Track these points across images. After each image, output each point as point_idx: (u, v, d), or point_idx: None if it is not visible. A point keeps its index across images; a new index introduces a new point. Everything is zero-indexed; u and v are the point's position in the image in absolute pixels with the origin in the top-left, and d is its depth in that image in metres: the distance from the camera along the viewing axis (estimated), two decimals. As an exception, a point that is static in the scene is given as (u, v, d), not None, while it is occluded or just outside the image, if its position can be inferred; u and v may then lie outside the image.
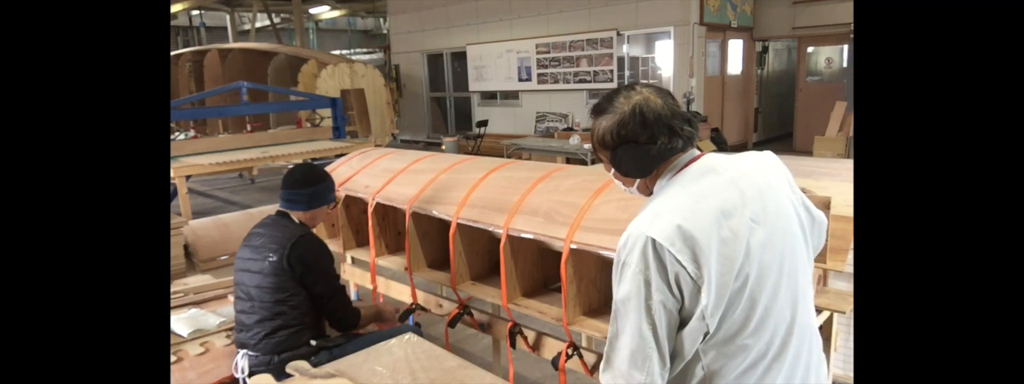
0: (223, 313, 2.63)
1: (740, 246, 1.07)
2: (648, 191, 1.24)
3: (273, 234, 2.10)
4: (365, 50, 18.56)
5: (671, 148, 1.16)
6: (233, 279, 2.17)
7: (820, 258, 1.67)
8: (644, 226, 1.07)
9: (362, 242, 2.96)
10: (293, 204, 2.16)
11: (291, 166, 2.31)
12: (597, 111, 1.22)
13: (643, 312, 1.06)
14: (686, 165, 1.18)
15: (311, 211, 2.19)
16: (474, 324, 2.43)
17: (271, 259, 2.03)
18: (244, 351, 2.08)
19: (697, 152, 1.21)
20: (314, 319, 2.12)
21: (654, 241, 1.05)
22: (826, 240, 1.47)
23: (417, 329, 2.35)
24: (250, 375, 2.04)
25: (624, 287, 1.09)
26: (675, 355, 1.11)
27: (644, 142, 1.15)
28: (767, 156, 1.26)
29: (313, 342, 2.10)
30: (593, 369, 2.02)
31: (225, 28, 17.31)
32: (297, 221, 2.17)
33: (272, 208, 4.47)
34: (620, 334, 1.11)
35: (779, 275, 1.12)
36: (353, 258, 3.02)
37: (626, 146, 1.17)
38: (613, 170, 1.25)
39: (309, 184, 2.17)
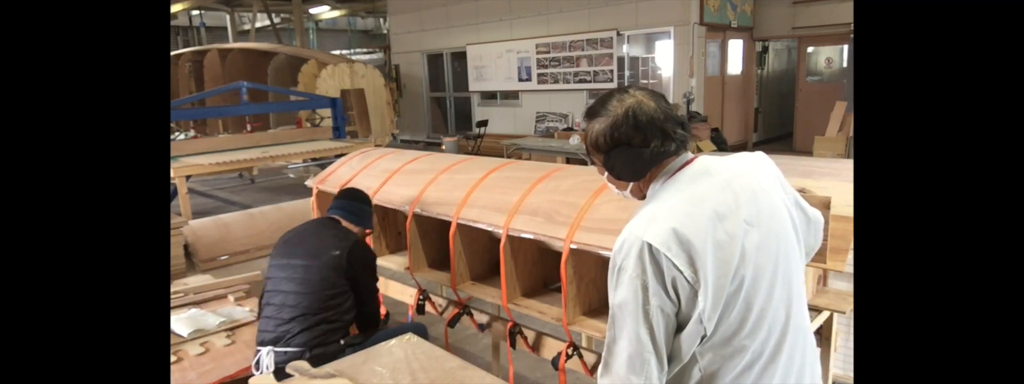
0: (223, 313, 2.63)
1: (735, 249, 1.07)
2: (641, 195, 1.24)
3: (332, 234, 2.22)
4: (365, 50, 18.54)
5: (664, 152, 1.15)
6: (268, 275, 2.21)
7: (820, 258, 1.67)
8: (639, 230, 1.07)
9: (362, 242, 2.97)
10: (351, 215, 2.33)
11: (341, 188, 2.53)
12: (590, 114, 1.21)
13: (640, 317, 1.06)
14: (680, 168, 1.17)
15: (359, 227, 2.35)
16: (474, 324, 2.44)
17: (334, 254, 2.13)
18: (269, 348, 2.08)
19: (690, 155, 1.20)
20: (349, 321, 2.20)
21: (650, 246, 1.04)
22: (826, 239, 1.47)
23: (422, 328, 2.36)
24: (276, 372, 2.05)
25: (621, 292, 1.08)
26: (672, 358, 1.11)
27: (637, 145, 1.15)
28: (758, 156, 1.26)
29: (342, 341, 2.16)
30: (593, 369, 2.02)
31: (225, 28, 17.30)
32: (346, 229, 2.31)
33: (273, 208, 4.50)
34: (618, 339, 1.10)
35: (773, 276, 1.12)
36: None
37: (619, 149, 1.16)
38: (606, 173, 1.24)
39: (369, 204, 2.40)
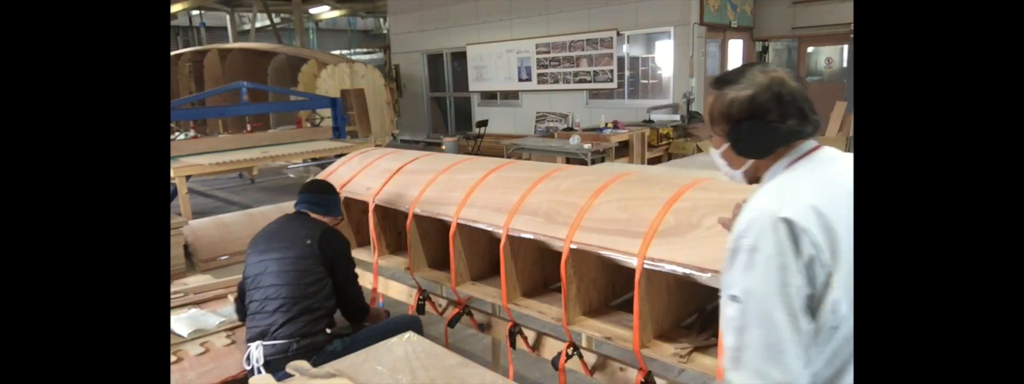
0: (223, 313, 2.63)
1: None
2: (754, 177, 1.17)
3: (301, 225, 2.29)
4: (365, 50, 18.55)
5: (798, 132, 1.09)
6: (247, 273, 2.25)
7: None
8: (772, 206, 1.00)
9: (362, 242, 2.97)
10: (318, 207, 2.39)
11: (310, 178, 2.62)
12: (723, 82, 1.13)
13: (779, 300, 0.97)
14: (808, 152, 1.11)
15: (328, 217, 2.40)
16: (474, 324, 2.44)
17: (306, 243, 2.20)
18: (258, 342, 2.11)
19: (816, 143, 1.14)
20: (331, 307, 2.24)
21: (789, 221, 0.97)
22: None
23: (416, 321, 2.38)
24: (266, 365, 2.07)
25: (754, 274, 0.99)
26: None
27: (773, 120, 1.08)
28: None
29: (328, 330, 2.20)
30: (593, 369, 2.02)
31: (225, 28, 17.30)
32: (315, 219, 2.37)
33: (273, 208, 4.50)
34: (748, 327, 1.00)
35: None
36: (353, 258, 3.02)
37: (753, 121, 1.09)
38: (723, 147, 1.16)
39: (333, 193, 2.45)
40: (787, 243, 0.97)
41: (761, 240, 0.99)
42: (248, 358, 2.12)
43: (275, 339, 2.10)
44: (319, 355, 2.12)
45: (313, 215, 2.37)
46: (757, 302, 0.99)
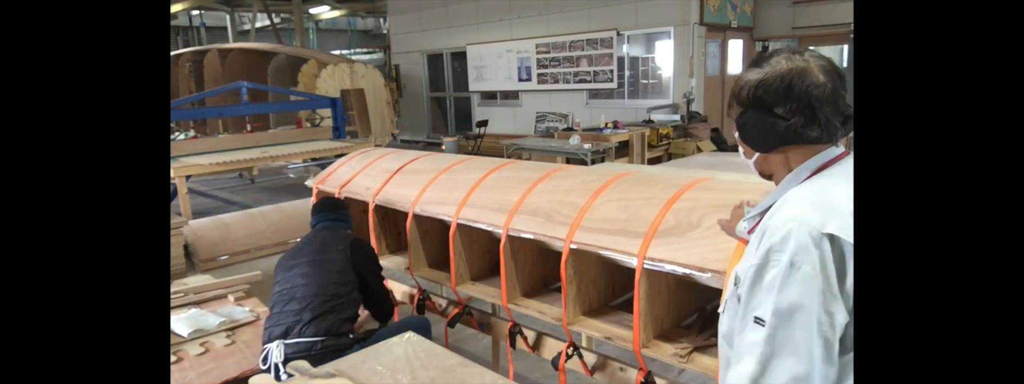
0: (223, 313, 2.63)
1: None
2: (766, 173, 1.08)
3: (331, 237, 2.40)
4: (365, 50, 18.55)
5: (800, 134, 0.98)
6: (276, 279, 2.32)
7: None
8: (813, 219, 0.89)
9: (362, 242, 2.97)
10: (340, 222, 2.54)
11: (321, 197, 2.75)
12: (752, 63, 1.04)
13: (815, 327, 0.87)
14: (837, 159, 1.01)
15: (348, 230, 2.52)
16: (474, 324, 2.44)
17: (338, 249, 2.30)
18: (278, 341, 2.12)
19: (842, 150, 1.03)
20: (354, 314, 2.29)
21: (835, 239, 0.88)
22: None
23: (426, 322, 2.39)
24: (285, 362, 2.07)
25: (788, 295, 0.88)
26: None
27: (776, 114, 0.98)
28: None
29: (350, 335, 2.24)
30: (593, 369, 2.02)
31: (225, 28, 17.31)
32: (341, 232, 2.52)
33: (273, 208, 4.50)
34: (777, 356, 0.89)
35: None
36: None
37: (753, 110, 1.00)
38: (736, 133, 1.08)
39: (347, 208, 2.61)
40: (831, 263, 0.88)
41: (801, 256, 0.88)
42: (266, 358, 2.12)
43: (300, 337, 2.11)
44: (340, 357, 2.12)
45: (338, 231, 2.47)
46: (790, 328, 0.88)
